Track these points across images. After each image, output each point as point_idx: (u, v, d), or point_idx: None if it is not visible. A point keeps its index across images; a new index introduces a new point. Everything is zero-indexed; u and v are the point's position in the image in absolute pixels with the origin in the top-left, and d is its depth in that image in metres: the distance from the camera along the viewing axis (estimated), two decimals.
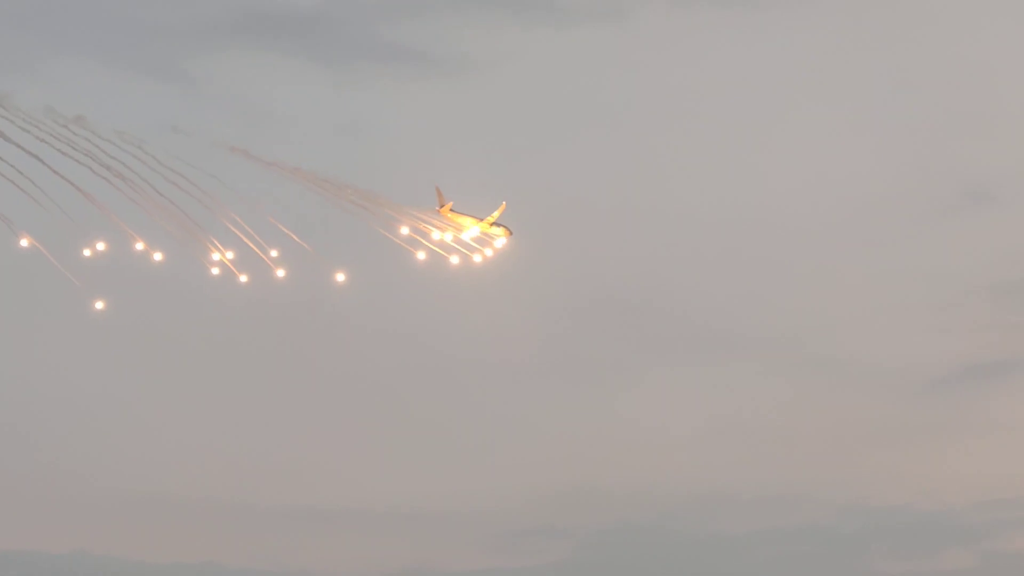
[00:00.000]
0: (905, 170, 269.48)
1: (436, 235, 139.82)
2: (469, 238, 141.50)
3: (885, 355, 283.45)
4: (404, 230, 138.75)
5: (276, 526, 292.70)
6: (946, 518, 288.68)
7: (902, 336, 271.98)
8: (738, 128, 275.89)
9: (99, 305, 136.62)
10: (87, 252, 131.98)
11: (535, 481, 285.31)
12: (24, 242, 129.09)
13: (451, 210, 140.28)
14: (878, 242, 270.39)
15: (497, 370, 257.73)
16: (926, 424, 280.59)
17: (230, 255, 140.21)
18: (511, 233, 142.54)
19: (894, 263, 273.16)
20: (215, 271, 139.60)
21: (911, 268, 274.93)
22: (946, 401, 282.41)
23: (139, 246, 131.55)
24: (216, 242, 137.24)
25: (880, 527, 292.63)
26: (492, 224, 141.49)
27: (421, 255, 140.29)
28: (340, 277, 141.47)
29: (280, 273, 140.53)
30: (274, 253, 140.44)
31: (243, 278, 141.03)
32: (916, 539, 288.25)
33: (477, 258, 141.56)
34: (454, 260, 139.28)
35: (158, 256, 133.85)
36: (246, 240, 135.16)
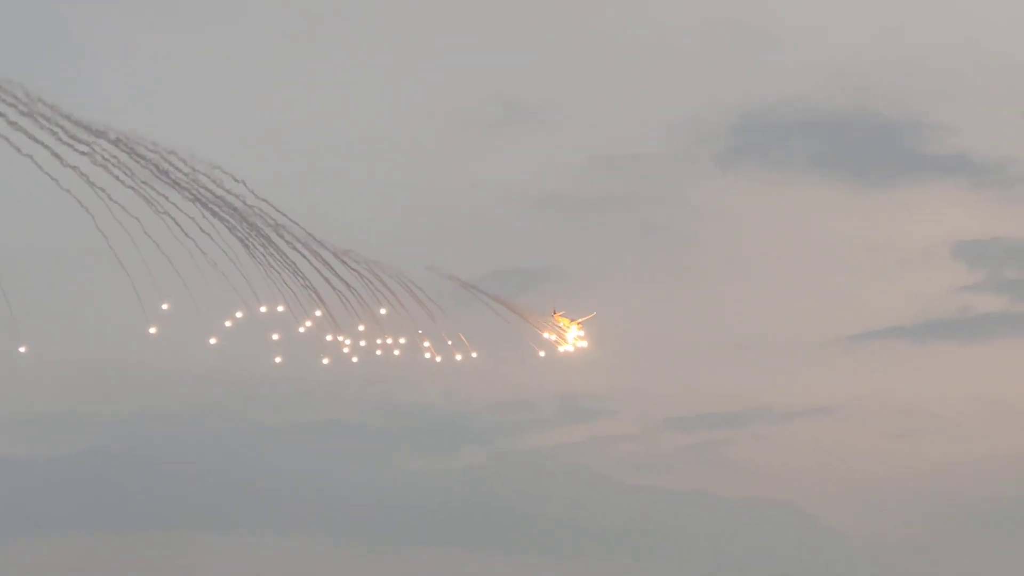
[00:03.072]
0: (450, 86, 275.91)
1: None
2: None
3: (422, 261, 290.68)
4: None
5: None
6: (464, 418, 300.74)
7: (439, 244, 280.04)
8: (275, 52, 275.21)
9: None
10: None
11: (54, 363, 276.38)
12: None
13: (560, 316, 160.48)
14: (426, 155, 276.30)
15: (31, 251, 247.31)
16: (455, 327, 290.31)
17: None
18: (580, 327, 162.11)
19: (439, 174, 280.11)
20: None
21: (454, 179, 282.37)
22: (474, 306, 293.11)
23: None
24: None
25: (404, 426, 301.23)
26: (578, 324, 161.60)
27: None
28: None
29: None
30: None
31: None
32: (437, 438, 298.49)
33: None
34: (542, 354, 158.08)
35: None
36: None
